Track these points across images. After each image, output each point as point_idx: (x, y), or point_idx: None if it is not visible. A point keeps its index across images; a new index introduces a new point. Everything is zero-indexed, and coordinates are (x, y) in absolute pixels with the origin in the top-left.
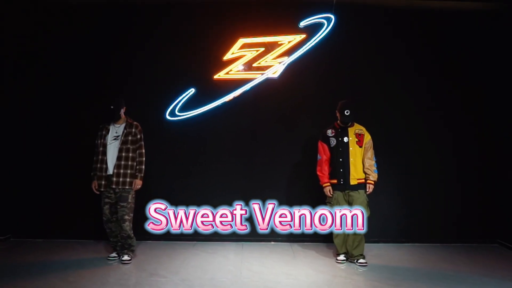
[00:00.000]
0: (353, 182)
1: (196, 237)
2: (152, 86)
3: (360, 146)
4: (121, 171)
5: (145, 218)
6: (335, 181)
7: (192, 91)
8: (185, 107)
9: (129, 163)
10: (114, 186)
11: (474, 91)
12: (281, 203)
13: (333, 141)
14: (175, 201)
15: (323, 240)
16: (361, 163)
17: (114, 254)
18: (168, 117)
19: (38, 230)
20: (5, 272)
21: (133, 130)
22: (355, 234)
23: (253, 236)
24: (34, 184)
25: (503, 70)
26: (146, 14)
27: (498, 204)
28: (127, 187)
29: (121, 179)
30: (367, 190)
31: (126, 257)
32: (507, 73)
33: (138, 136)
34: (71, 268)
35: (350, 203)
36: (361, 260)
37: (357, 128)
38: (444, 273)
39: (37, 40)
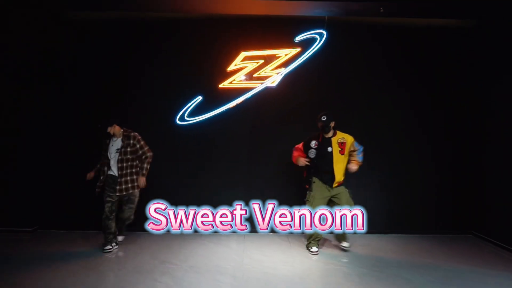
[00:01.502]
0: (334, 185)
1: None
2: (164, 95)
3: (343, 154)
4: (124, 179)
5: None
6: (317, 179)
7: (199, 98)
8: (193, 113)
9: (132, 170)
10: (118, 194)
11: (447, 98)
12: (281, 203)
13: (312, 153)
14: (181, 200)
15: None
16: (343, 169)
17: (108, 246)
18: (178, 121)
19: (62, 222)
20: (32, 260)
21: (131, 141)
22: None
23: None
24: (59, 179)
25: (472, 78)
26: (157, 29)
27: (472, 197)
28: (132, 191)
29: (123, 186)
30: (351, 167)
31: (120, 238)
32: (476, 81)
33: (138, 146)
34: (90, 257)
35: (333, 196)
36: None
37: (339, 137)
38: (423, 261)
39: (58, 55)
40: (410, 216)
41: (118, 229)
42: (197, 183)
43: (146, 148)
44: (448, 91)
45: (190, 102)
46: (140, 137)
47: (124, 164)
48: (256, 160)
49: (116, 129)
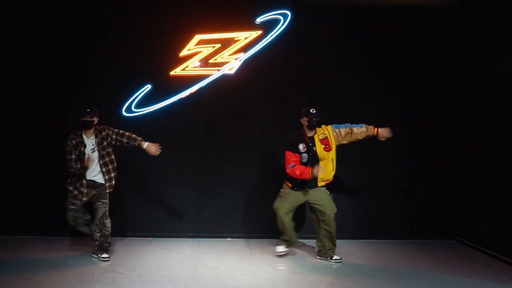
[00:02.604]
0: (320, 183)
1: (152, 233)
2: (108, 83)
3: (329, 150)
4: (110, 175)
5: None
6: (290, 185)
7: (148, 87)
8: (142, 104)
9: (113, 166)
10: (95, 192)
11: (426, 89)
12: (237, 197)
13: (305, 158)
14: (132, 199)
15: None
16: (331, 165)
17: (106, 255)
18: (124, 113)
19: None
20: None
21: (103, 134)
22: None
23: (209, 232)
24: (12, 182)
25: (457, 66)
26: (102, 11)
27: (454, 201)
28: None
29: (110, 184)
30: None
31: (105, 254)
32: (460, 70)
33: (110, 132)
34: (28, 265)
35: (312, 201)
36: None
37: (319, 133)
38: (401, 269)
39: None
40: (386, 220)
41: (101, 245)
42: (146, 183)
43: (118, 130)
44: (430, 81)
45: (138, 91)
46: (108, 126)
47: (107, 159)
48: (212, 154)
49: (95, 122)
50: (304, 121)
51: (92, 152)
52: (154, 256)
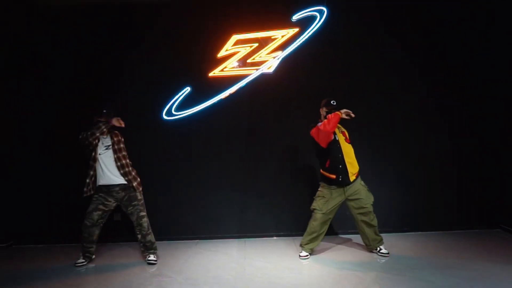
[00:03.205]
0: (352, 178)
1: (198, 235)
2: (147, 86)
3: (349, 143)
4: (130, 177)
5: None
6: (333, 176)
7: (187, 89)
8: (182, 106)
9: (130, 168)
10: (124, 194)
11: (468, 82)
12: (281, 196)
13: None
14: (170, 204)
15: (327, 233)
16: (354, 158)
17: (82, 260)
18: (165, 116)
19: (39, 236)
20: (8, 279)
21: (120, 138)
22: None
23: (255, 231)
24: (34, 191)
25: (501, 65)
26: (139, 15)
27: (499, 189)
28: (137, 187)
29: (134, 184)
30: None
31: (152, 257)
32: (506, 67)
33: (122, 141)
34: (72, 272)
35: (348, 196)
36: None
37: (339, 128)
38: (447, 260)
39: (30, 42)
40: (430, 212)
41: (145, 246)
42: (189, 185)
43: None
44: (472, 75)
45: (177, 94)
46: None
47: (124, 162)
48: (253, 154)
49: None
50: (323, 111)
51: (105, 150)
52: (201, 258)
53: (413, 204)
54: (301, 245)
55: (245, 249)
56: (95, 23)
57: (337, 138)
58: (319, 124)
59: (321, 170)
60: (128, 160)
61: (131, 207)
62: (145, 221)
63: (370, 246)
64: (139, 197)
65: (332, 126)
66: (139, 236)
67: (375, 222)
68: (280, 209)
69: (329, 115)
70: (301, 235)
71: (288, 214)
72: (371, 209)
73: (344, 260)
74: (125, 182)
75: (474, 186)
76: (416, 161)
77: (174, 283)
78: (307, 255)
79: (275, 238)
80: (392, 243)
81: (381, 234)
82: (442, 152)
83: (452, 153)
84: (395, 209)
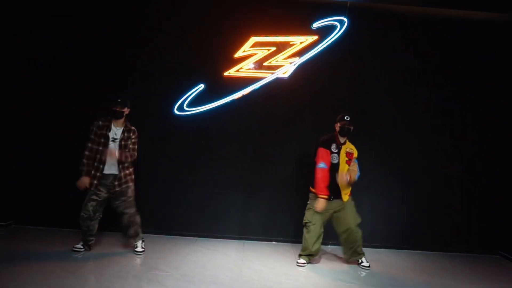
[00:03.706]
0: (345, 198)
1: (198, 233)
2: (161, 81)
3: (349, 165)
4: (123, 173)
5: (149, 211)
6: (326, 195)
7: (201, 87)
8: (194, 103)
9: (128, 165)
10: (117, 189)
11: (479, 100)
12: (284, 202)
13: (335, 158)
14: (179, 198)
15: (327, 243)
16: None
17: (80, 246)
18: (176, 111)
19: (39, 218)
20: (5, 258)
21: (131, 135)
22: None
23: (255, 234)
24: (37, 172)
25: (509, 80)
26: (156, 7)
27: (500, 215)
28: (129, 184)
29: (123, 181)
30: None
31: (139, 248)
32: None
33: (133, 141)
34: (70, 258)
35: (335, 209)
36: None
37: (348, 147)
38: (443, 282)
39: (44, 35)
40: (431, 231)
41: (131, 234)
42: (194, 182)
43: (136, 151)
44: (482, 94)
45: (190, 90)
46: (138, 135)
47: (124, 157)
48: (261, 157)
49: (125, 114)
50: (337, 126)
51: (112, 141)
52: (199, 255)
53: (414, 223)
54: (299, 254)
55: (243, 251)
56: (110, 14)
57: (335, 162)
58: (322, 162)
59: (310, 188)
60: (130, 159)
61: (119, 201)
62: (125, 218)
63: (349, 258)
64: (129, 194)
65: (317, 179)
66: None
67: (359, 240)
68: (282, 214)
69: (324, 181)
70: (301, 242)
71: (290, 220)
72: (355, 230)
73: (341, 272)
74: (117, 173)
75: (477, 210)
76: (420, 179)
77: (170, 278)
78: (304, 263)
79: (274, 242)
80: (391, 260)
81: (380, 250)
82: (448, 173)
83: (457, 175)
84: (395, 226)
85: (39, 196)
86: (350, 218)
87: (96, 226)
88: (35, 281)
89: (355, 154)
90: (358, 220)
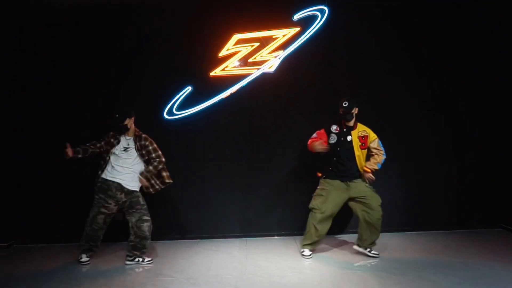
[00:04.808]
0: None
1: (199, 234)
2: (149, 86)
3: (364, 149)
4: (132, 183)
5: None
6: (320, 174)
7: (189, 89)
8: (183, 106)
9: (138, 174)
10: (125, 199)
11: (469, 84)
12: (282, 196)
13: (333, 138)
14: (176, 201)
15: (329, 232)
16: (364, 163)
17: (86, 258)
18: (166, 116)
19: (40, 236)
20: (9, 279)
21: (143, 142)
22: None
23: (256, 231)
24: (35, 191)
25: (501, 65)
26: (139, 14)
27: (500, 188)
28: (136, 193)
29: (131, 189)
30: (366, 175)
31: (147, 258)
32: (506, 68)
33: (150, 148)
34: (74, 272)
35: (353, 196)
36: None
37: (360, 129)
38: (449, 259)
39: (34, 43)
40: (431, 211)
41: (135, 247)
42: (190, 185)
43: (160, 152)
44: (472, 74)
45: (178, 93)
46: (151, 140)
47: (135, 166)
48: (254, 154)
49: (132, 123)
50: (340, 110)
51: (124, 150)
52: (202, 257)
53: (414, 204)
54: (302, 245)
55: (246, 249)
56: (94, 23)
57: (349, 139)
58: (314, 136)
59: (317, 173)
60: (160, 166)
61: (134, 210)
62: (146, 225)
63: (363, 245)
64: (142, 202)
65: (310, 149)
66: (132, 237)
67: (379, 225)
68: (282, 208)
69: (312, 139)
70: (303, 234)
71: (290, 214)
72: (379, 209)
73: (346, 259)
74: (120, 182)
75: (475, 185)
76: (417, 160)
77: (175, 282)
78: (310, 254)
79: (276, 237)
80: (394, 243)
81: (382, 234)
82: (444, 152)
83: (454, 153)
84: (396, 209)
85: (38, 214)
86: (373, 199)
87: (102, 233)
88: None
89: (372, 137)
90: (379, 200)
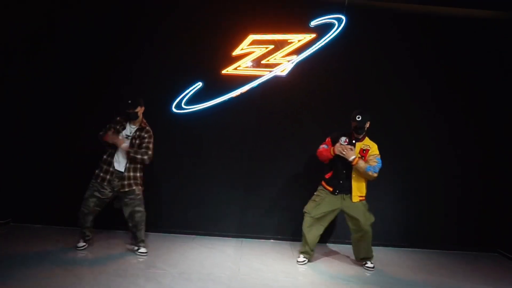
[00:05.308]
0: (355, 199)
1: (196, 231)
2: (159, 79)
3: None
4: (131, 174)
5: (147, 209)
6: (331, 188)
7: (199, 85)
8: (192, 101)
9: (137, 166)
10: (121, 190)
11: (478, 98)
12: (282, 200)
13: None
14: (177, 195)
15: (328, 241)
16: (363, 179)
17: (83, 243)
18: (174, 109)
19: (37, 216)
20: (3, 257)
21: (142, 133)
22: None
23: (253, 232)
24: (35, 170)
25: (508, 78)
26: (153, 5)
27: (499, 213)
28: (133, 187)
29: (132, 181)
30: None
31: (142, 249)
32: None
33: (146, 141)
34: (68, 256)
35: (345, 209)
36: (369, 264)
37: (364, 143)
38: (442, 280)
39: (42, 34)
40: (430, 230)
41: (135, 237)
42: (192, 180)
43: (151, 152)
44: (481, 93)
45: (188, 88)
46: (151, 134)
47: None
48: (258, 155)
49: (141, 113)
50: (352, 124)
51: (126, 138)
52: (197, 254)
53: (413, 221)
54: (299, 251)
55: (241, 249)
56: (106, 14)
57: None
58: (322, 146)
59: (322, 182)
60: (138, 158)
61: (127, 199)
62: (139, 216)
63: (356, 257)
64: (137, 192)
65: (321, 159)
66: (130, 225)
67: (369, 241)
68: (281, 212)
69: (323, 148)
70: (299, 240)
71: (288, 219)
72: (368, 229)
73: (340, 270)
74: (122, 171)
75: (475, 208)
76: (420, 178)
77: (168, 276)
78: (303, 261)
79: (272, 240)
80: (389, 258)
81: (379, 248)
82: (446, 171)
83: (456, 173)
84: (395, 225)
85: (37, 194)
86: (363, 220)
87: (91, 218)
88: (34, 279)
89: (373, 151)
90: (371, 220)
